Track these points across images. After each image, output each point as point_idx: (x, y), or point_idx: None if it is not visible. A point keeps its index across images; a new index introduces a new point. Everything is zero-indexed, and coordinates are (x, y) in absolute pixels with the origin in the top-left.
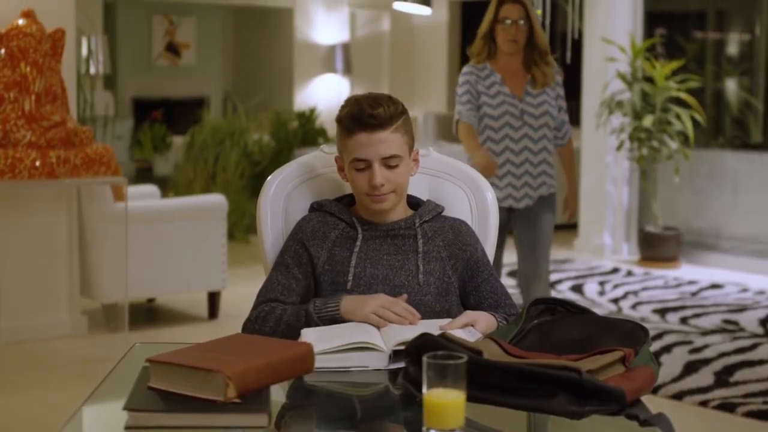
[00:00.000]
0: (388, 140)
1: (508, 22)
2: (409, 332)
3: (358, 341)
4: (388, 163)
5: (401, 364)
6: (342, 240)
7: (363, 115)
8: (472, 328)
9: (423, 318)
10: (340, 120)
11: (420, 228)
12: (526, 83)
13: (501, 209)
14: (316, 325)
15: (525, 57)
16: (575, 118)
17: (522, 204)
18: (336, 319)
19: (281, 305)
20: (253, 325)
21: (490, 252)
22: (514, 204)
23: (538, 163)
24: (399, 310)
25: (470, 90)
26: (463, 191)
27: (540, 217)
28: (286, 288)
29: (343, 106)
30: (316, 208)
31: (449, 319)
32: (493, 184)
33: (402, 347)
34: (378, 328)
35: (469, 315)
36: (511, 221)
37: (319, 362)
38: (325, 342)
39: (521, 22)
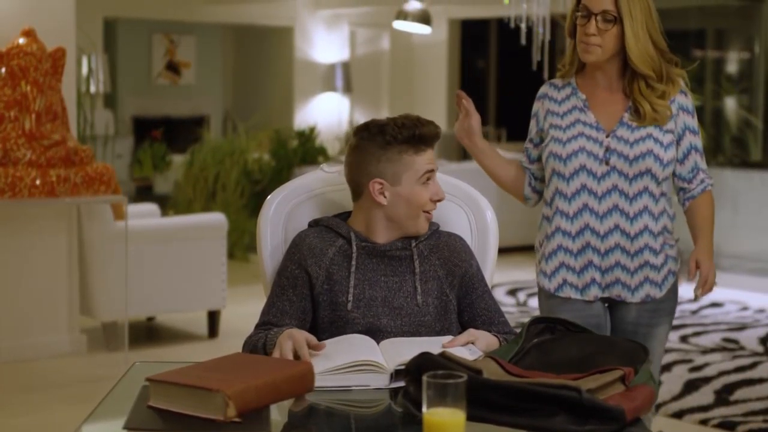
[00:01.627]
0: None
1: (585, 15)
2: (410, 352)
3: (360, 360)
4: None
5: (402, 383)
6: (340, 258)
7: (432, 133)
8: (473, 346)
9: (425, 338)
10: (410, 139)
11: (416, 248)
12: (625, 110)
13: (579, 303)
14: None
15: (621, 74)
16: None
17: (611, 293)
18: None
19: (264, 332)
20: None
21: (489, 272)
22: (600, 293)
23: (637, 234)
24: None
25: (532, 130)
26: (463, 210)
27: (651, 328)
28: (279, 310)
29: (400, 127)
30: (314, 224)
31: (451, 337)
32: (565, 265)
33: (402, 366)
34: (378, 345)
35: (471, 333)
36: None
37: (320, 381)
38: (327, 361)
39: (610, 18)
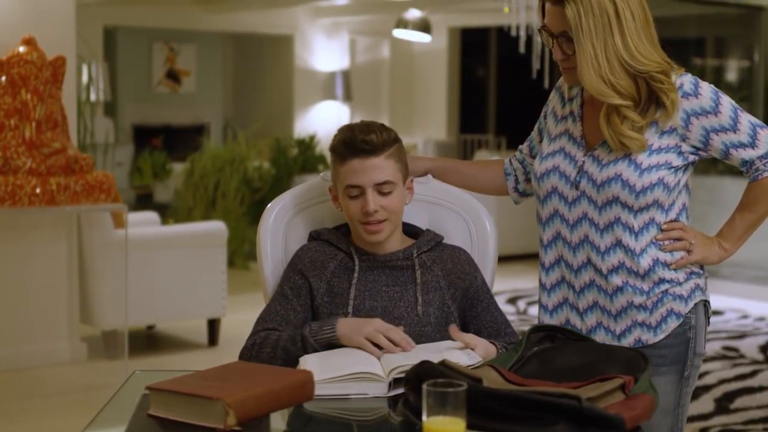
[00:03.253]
0: (381, 166)
1: (548, 36)
2: (408, 359)
3: (358, 372)
4: (381, 189)
5: (400, 391)
6: (340, 271)
7: (356, 140)
8: (472, 351)
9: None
10: (333, 148)
11: (418, 258)
12: None
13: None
14: (314, 349)
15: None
16: None
17: (596, 338)
18: (333, 343)
19: (276, 332)
20: (250, 352)
21: (489, 281)
22: None
23: (611, 271)
24: (394, 335)
25: (539, 123)
26: (463, 219)
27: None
28: (283, 319)
29: (335, 135)
30: (315, 237)
31: (450, 341)
32: (543, 306)
33: (401, 375)
34: (378, 352)
35: (473, 336)
36: None
37: (319, 390)
38: (325, 372)
39: (572, 38)
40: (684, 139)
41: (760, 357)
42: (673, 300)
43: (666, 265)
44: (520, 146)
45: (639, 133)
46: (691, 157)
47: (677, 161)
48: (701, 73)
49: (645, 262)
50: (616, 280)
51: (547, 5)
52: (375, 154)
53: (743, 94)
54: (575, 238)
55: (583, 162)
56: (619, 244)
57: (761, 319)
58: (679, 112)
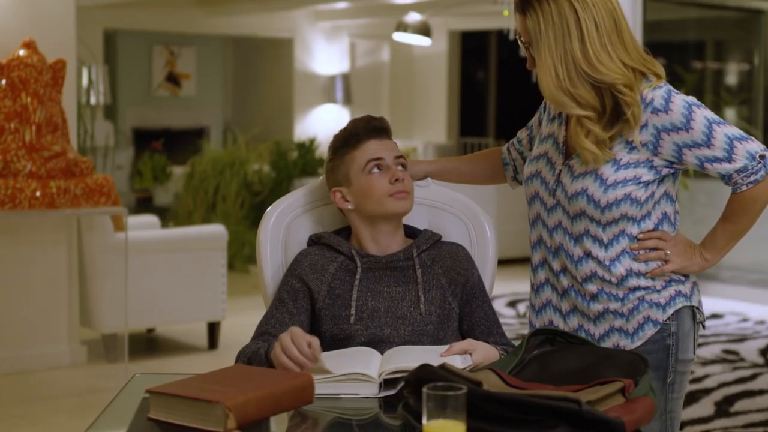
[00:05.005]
0: (394, 146)
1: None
2: (403, 360)
3: (352, 372)
4: (400, 162)
5: (391, 392)
6: (341, 273)
7: (373, 122)
8: (469, 356)
9: (425, 346)
10: (346, 137)
11: (418, 258)
12: None
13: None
14: (270, 363)
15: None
16: None
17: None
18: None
19: (262, 343)
20: (240, 359)
21: (489, 284)
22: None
23: (585, 279)
24: (299, 340)
25: (539, 113)
26: (463, 222)
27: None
28: (279, 322)
29: (341, 131)
30: (315, 240)
31: (447, 347)
32: (531, 306)
33: (393, 376)
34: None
35: (470, 342)
36: None
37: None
38: (321, 371)
39: (527, 45)
40: (656, 153)
41: (760, 360)
42: (650, 307)
43: (641, 273)
44: (519, 134)
45: (602, 146)
46: (665, 170)
47: (648, 175)
48: (701, 77)
49: (618, 270)
50: (591, 287)
51: (517, 15)
52: (388, 136)
53: (743, 97)
54: (553, 243)
55: (560, 171)
56: (589, 254)
57: (761, 322)
58: (649, 128)
